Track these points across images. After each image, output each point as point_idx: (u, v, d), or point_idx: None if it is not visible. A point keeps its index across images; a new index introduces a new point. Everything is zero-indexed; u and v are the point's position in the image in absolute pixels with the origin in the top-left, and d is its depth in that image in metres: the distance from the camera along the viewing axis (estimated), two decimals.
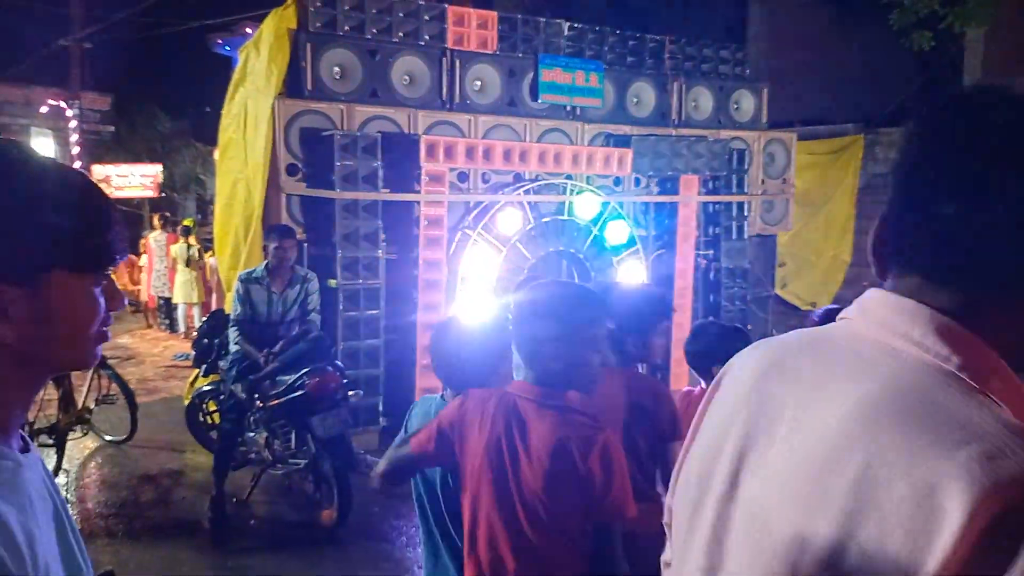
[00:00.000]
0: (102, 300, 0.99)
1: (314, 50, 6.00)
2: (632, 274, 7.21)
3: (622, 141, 7.17)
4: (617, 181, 7.33)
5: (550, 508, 1.88)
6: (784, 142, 8.45)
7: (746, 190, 7.98)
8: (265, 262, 5.16)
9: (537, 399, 1.93)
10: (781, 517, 0.80)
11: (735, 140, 7.96)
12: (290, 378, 4.74)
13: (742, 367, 0.99)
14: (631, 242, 7.24)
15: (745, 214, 8.00)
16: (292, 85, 6.03)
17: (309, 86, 6.01)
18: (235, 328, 5.06)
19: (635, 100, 7.52)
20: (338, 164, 5.84)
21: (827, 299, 9.75)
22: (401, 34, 6.44)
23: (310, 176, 6.02)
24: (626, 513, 1.87)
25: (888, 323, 0.82)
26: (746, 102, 8.18)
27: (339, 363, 5.17)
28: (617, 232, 7.14)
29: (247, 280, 5.11)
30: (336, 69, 6.14)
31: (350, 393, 4.93)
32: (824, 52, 10.26)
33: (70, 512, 1.07)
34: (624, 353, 2.68)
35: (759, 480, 0.86)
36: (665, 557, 1.15)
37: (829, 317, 2.46)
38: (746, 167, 7.94)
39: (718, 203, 7.85)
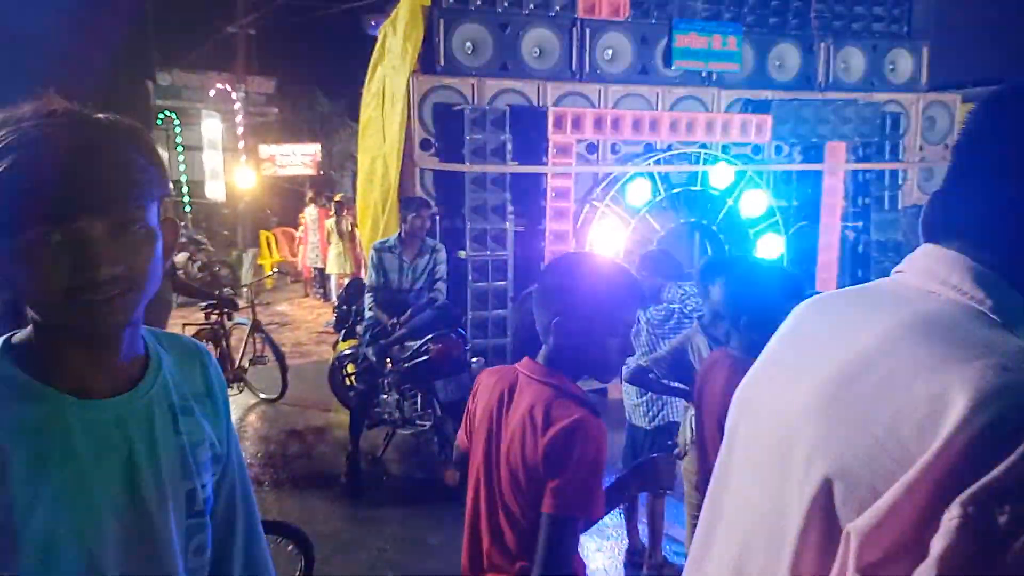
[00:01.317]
0: (57, 261, 0.92)
1: (446, 26, 6.14)
2: (770, 248, 6.92)
3: (762, 107, 6.86)
4: (757, 149, 7.04)
5: (518, 499, 1.64)
6: (947, 104, 7.77)
7: (901, 157, 7.42)
8: (398, 232, 5.39)
9: (534, 374, 1.71)
10: (806, 426, 0.88)
11: (889, 103, 7.40)
12: (416, 344, 4.95)
13: (789, 317, 1.10)
14: (770, 213, 6.94)
15: (899, 183, 7.46)
16: (426, 61, 6.20)
17: (441, 62, 6.16)
18: (369, 295, 5.33)
19: (777, 63, 7.15)
20: (468, 138, 5.98)
21: None
22: (532, 6, 6.45)
23: (442, 150, 6.19)
24: (575, 511, 1.55)
25: (929, 270, 0.91)
26: (903, 62, 7.57)
27: (462, 331, 5.33)
28: (754, 202, 6.86)
29: (381, 249, 5.36)
30: (468, 44, 6.26)
31: (472, 360, 5.07)
32: (1000, 5, 9.29)
33: (160, 464, 1.06)
34: (745, 340, 2.46)
35: (786, 397, 0.95)
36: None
37: None
38: (901, 132, 7.37)
39: (868, 172, 7.34)
